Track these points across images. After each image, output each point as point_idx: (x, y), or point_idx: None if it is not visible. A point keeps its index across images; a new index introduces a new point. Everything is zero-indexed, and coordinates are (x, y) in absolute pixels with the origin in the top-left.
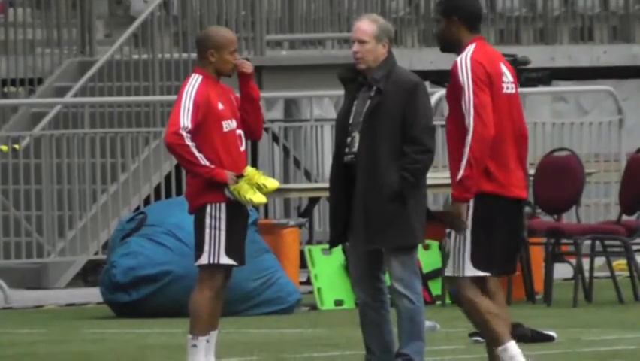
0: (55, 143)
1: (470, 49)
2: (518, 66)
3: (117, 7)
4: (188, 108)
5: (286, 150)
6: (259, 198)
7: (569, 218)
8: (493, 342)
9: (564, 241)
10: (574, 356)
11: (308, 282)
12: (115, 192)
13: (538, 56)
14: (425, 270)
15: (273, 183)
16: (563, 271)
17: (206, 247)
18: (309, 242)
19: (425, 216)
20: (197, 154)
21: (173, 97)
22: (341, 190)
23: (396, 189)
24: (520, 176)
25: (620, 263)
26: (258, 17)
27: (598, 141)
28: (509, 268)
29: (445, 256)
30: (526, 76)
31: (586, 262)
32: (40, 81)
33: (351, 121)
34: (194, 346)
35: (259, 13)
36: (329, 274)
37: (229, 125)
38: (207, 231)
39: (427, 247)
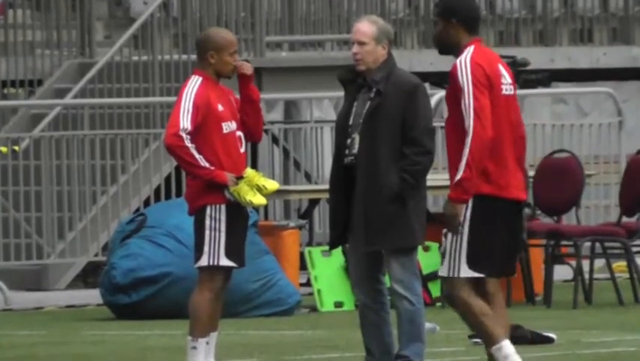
0: (54, 144)
1: (469, 51)
2: (518, 68)
3: (117, 8)
4: (188, 110)
5: (286, 152)
6: (259, 199)
7: (568, 220)
8: (487, 342)
9: (564, 242)
10: (574, 357)
11: (308, 284)
12: (115, 193)
13: (538, 58)
14: (425, 271)
15: (272, 185)
16: (562, 272)
17: (206, 249)
18: (309, 244)
19: (425, 218)
20: (197, 156)
21: (173, 98)
22: (341, 192)
23: (396, 191)
24: (519, 177)
25: (619, 265)
26: (258, 19)
27: (598, 142)
28: (508, 269)
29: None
30: (526, 77)
31: (586, 264)
32: (39, 83)
33: (351, 122)
34: (194, 347)
35: (259, 14)
36: (329, 275)
37: (229, 126)
38: (207, 232)
39: (426, 249)
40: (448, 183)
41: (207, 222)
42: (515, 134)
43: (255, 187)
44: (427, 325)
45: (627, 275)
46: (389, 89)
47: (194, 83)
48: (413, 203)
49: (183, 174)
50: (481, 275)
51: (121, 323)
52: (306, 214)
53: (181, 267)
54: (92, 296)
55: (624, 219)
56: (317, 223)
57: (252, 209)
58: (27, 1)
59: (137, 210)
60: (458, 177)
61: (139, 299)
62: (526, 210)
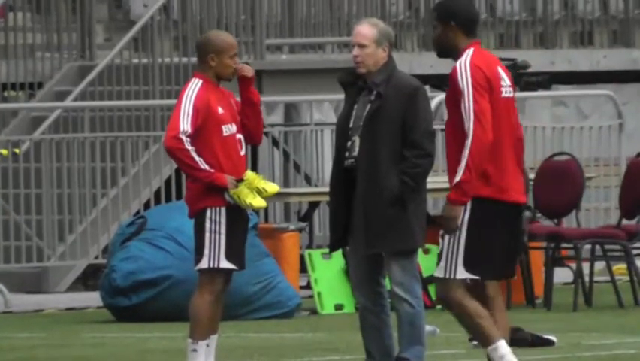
0: (55, 147)
1: (469, 53)
2: (518, 70)
3: (117, 11)
4: (188, 112)
5: (286, 155)
6: (259, 202)
7: (569, 222)
8: (483, 342)
9: (564, 245)
10: (574, 360)
11: (308, 286)
12: (115, 196)
13: (538, 60)
14: (425, 274)
15: (272, 188)
16: (563, 275)
17: (206, 251)
18: (309, 246)
19: (425, 221)
20: (197, 158)
21: (173, 101)
22: (341, 194)
23: (396, 194)
24: (519, 180)
25: (620, 267)
26: (258, 21)
27: (598, 145)
28: (508, 272)
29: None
30: (526, 80)
31: (586, 267)
32: (40, 85)
33: (351, 125)
34: (194, 350)
35: (259, 17)
36: (329, 278)
37: (229, 129)
38: (207, 235)
39: (427, 252)
40: (448, 185)
41: (207, 224)
42: (515, 136)
43: (255, 190)
44: (428, 327)
45: (627, 278)
46: (389, 92)
47: (195, 85)
48: (413, 206)
49: (183, 176)
50: (477, 277)
51: (121, 325)
52: (306, 217)
53: (181, 269)
54: (92, 299)
55: (624, 221)
56: (317, 226)
57: (252, 212)
58: (27, 4)
59: (138, 212)
60: (458, 178)
61: (139, 302)
62: (527, 213)
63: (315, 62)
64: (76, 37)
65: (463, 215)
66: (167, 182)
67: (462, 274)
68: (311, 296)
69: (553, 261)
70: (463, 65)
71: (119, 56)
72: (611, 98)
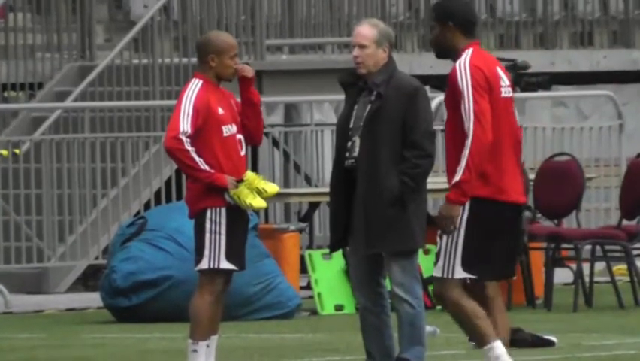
0: (55, 147)
1: (468, 54)
2: (518, 71)
3: (117, 11)
4: (188, 113)
5: (286, 155)
6: (259, 202)
7: (569, 223)
8: (479, 342)
9: (564, 245)
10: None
11: (308, 287)
12: (115, 196)
13: (538, 61)
14: (425, 275)
15: (273, 188)
16: (563, 275)
17: (206, 252)
18: (310, 247)
19: (425, 221)
20: (197, 159)
21: (173, 102)
22: (341, 195)
23: (396, 194)
24: (518, 180)
25: (620, 268)
26: (258, 22)
27: (598, 145)
28: (507, 272)
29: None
30: (526, 81)
31: (586, 267)
32: (40, 86)
33: (351, 125)
34: (195, 351)
35: (259, 17)
36: (329, 278)
37: (229, 129)
38: (207, 235)
39: (427, 252)
40: (447, 186)
41: (208, 225)
42: (514, 137)
43: (255, 190)
44: (428, 328)
45: (628, 278)
46: (390, 92)
47: (195, 86)
48: (413, 206)
49: (184, 177)
50: (475, 277)
51: (121, 326)
52: (307, 217)
53: (181, 270)
54: (93, 299)
55: (624, 222)
56: (317, 226)
57: (252, 212)
58: (27, 5)
59: (138, 213)
60: (457, 178)
61: (139, 302)
62: (527, 214)
63: (315, 63)
64: (77, 38)
65: (462, 215)
66: (168, 182)
67: (460, 273)
68: (311, 297)
69: (554, 261)
70: (463, 66)
71: (119, 56)
72: (611, 98)
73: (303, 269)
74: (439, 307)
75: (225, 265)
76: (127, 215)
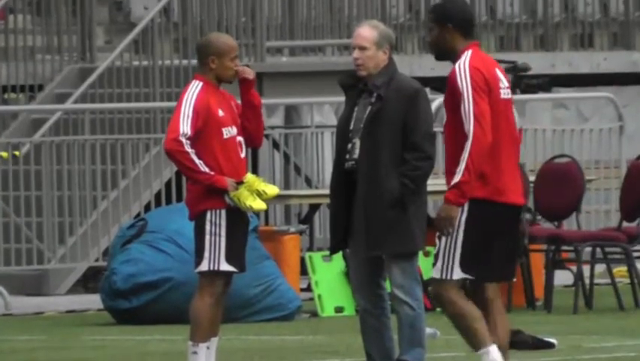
0: (55, 149)
1: (467, 55)
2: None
3: (117, 13)
4: (188, 115)
5: (286, 157)
6: (259, 204)
7: (569, 225)
8: (474, 345)
9: (564, 247)
10: None
11: (308, 289)
12: (115, 198)
13: (539, 63)
14: (425, 277)
15: (273, 190)
16: (563, 277)
17: (206, 254)
18: (310, 249)
19: (426, 223)
20: (197, 161)
21: (173, 103)
22: (341, 197)
23: (396, 196)
24: (517, 181)
25: (620, 270)
26: (259, 24)
27: (598, 147)
28: (506, 274)
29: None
30: (527, 83)
31: (586, 269)
32: (40, 88)
33: (351, 127)
34: (195, 353)
35: (259, 19)
36: (329, 280)
37: (229, 131)
38: (207, 237)
39: (427, 254)
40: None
41: (208, 227)
42: (513, 138)
43: (255, 192)
44: (428, 330)
45: (628, 280)
46: (390, 94)
47: (195, 88)
48: (414, 208)
49: (184, 179)
50: (473, 278)
51: (121, 328)
52: (307, 219)
53: (181, 272)
54: (93, 301)
55: (625, 224)
56: (317, 228)
57: (252, 214)
58: (27, 6)
59: (138, 215)
60: (457, 179)
61: (139, 304)
62: (527, 215)
63: (315, 65)
64: (77, 40)
65: (460, 216)
66: (168, 184)
67: (458, 274)
68: (311, 299)
69: (554, 263)
70: (462, 67)
71: (119, 58)
72: (612, 100)
73: (304, 271)
74: (439, 309)
75: (225, 266)
76: (127, 217)
